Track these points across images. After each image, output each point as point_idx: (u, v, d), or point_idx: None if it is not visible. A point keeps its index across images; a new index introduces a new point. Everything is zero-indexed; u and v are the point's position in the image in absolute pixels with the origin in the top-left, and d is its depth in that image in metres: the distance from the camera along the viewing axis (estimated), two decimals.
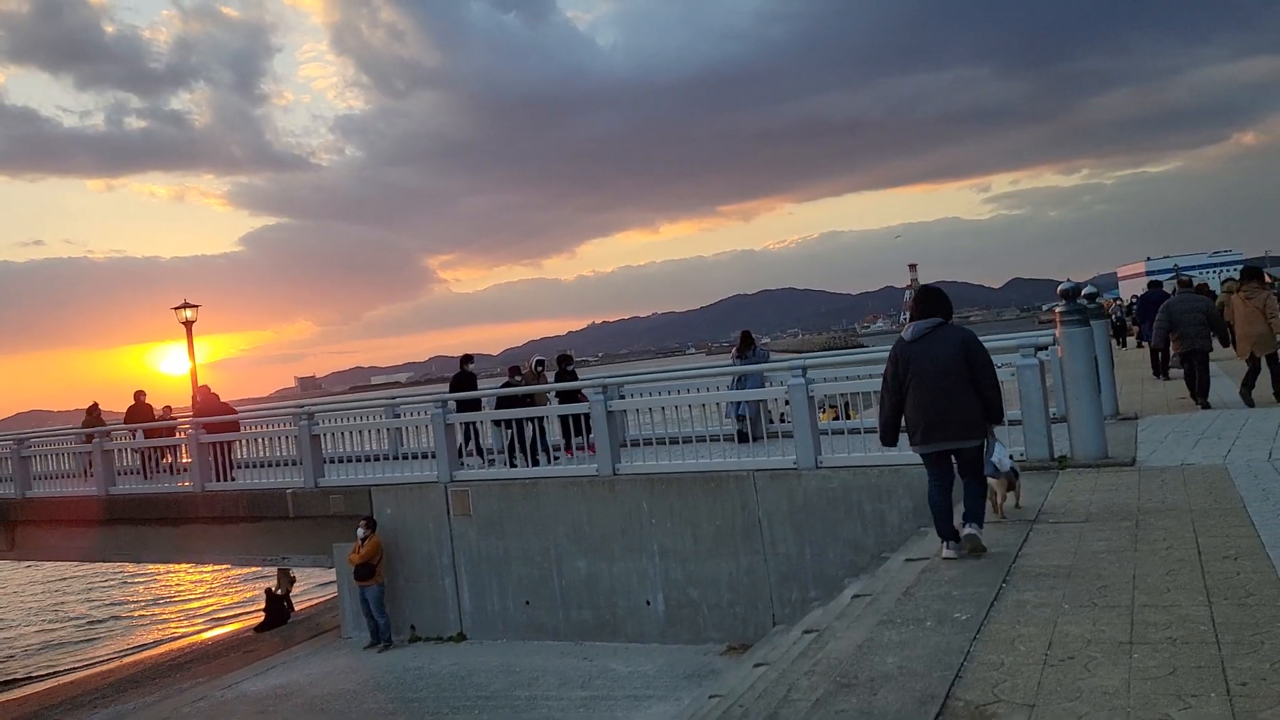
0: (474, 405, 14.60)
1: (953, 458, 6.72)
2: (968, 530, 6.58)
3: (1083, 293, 9.76)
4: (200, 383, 21.55)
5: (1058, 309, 9.46)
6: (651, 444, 12.58)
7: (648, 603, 11.74)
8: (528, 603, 12.63)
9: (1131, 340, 28.83)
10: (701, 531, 11.33)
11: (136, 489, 17.30)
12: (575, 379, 15.25)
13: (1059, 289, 9.42)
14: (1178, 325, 13.33)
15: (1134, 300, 30.90)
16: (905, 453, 10.55)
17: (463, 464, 13.44)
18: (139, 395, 19.66)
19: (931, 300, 6.76)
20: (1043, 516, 7.46)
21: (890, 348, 6.94)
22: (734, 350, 15.36)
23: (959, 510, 6.74)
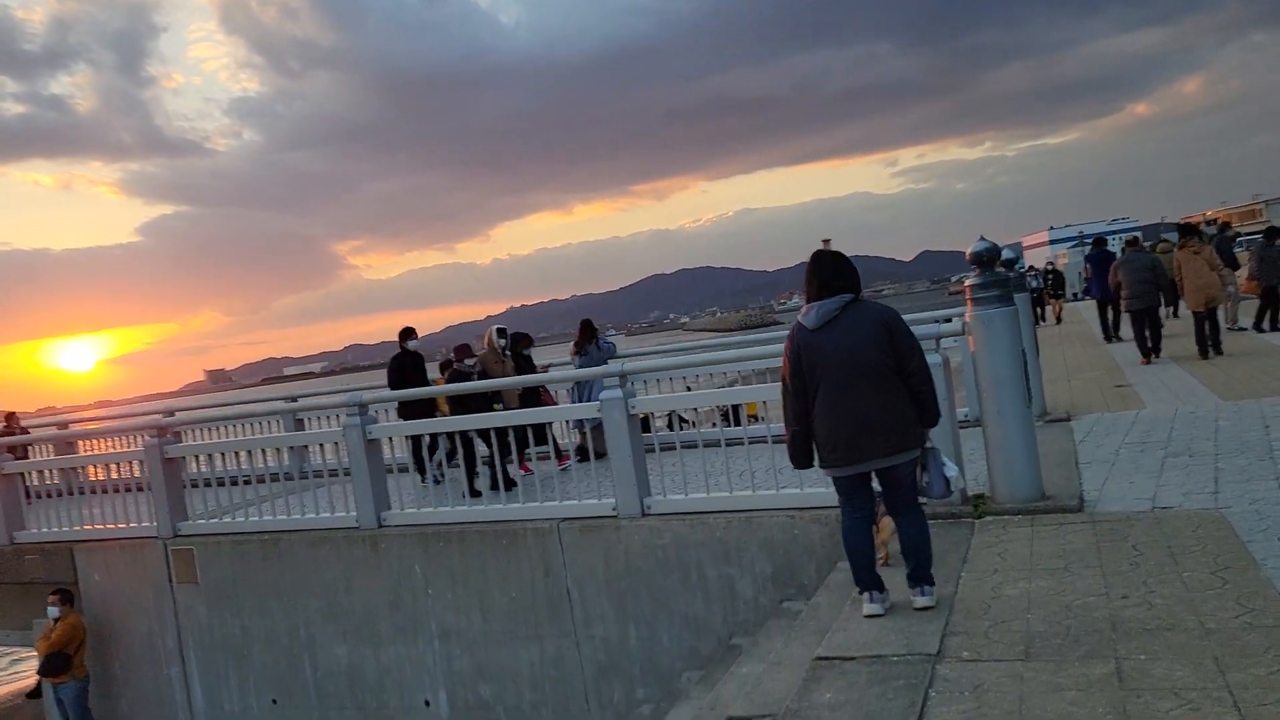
0: (426, 407, 10.30)
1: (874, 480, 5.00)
2: (921, 601, 4.81)
3: (1001, 258, 6.86)
4: None
5: (968, 281, 6.48)
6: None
7: (427, 703, 8.49)
8: (275, 701, 9.27)
9: (1050, 312, 26.57)
10: (493, 605, 8.12)
11: None
12: (532, 366, 11.64)
13: (970, 252, 6.44)
14: (1128, 283, 13.54)
15: (1050, 267, 29.18)
16: (762, 493, 7.64)
17: (187, 514, 9.90)
18: None
19: (836, 269, 4.95)
20: (953, 631, 4.44)
21: (787, 337, 5.07)
22: (572, 345, 12.15)
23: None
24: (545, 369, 12.27)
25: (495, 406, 9.64)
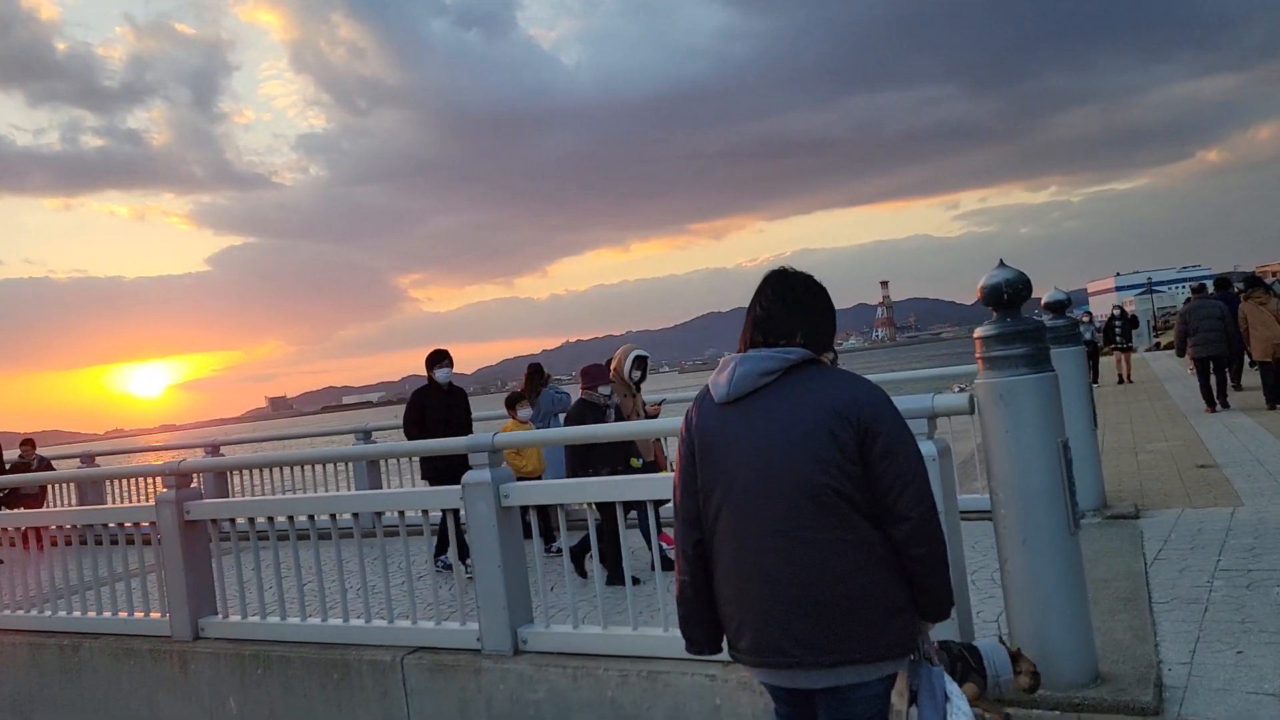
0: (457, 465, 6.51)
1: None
2: None
3: (1031, 296, 4.42)
4: None
5: (979, 332, 4.14)
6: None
7: None
8: None
9: (1110, 364, 22.77)
10: None
11: None
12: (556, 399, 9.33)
13: (982, 285, 4.10)
14: (1195, 330, 13.16)
15: (1119, 312, 23.71)
16: (675, 633, 5.32)
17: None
18: None
19: (788, 302, 2.75)
20: None
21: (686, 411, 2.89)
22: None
23: None
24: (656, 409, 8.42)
25: (634, 462, 7.16)
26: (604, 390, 7.51)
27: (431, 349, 8.78)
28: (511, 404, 8.94)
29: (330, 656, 5.84)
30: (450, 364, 8.68)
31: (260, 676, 6.09)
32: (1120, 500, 7.64)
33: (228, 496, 11.42)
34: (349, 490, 11.40)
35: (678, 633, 2.85)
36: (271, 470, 11.57)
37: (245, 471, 11.62)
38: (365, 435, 11.11)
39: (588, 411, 7.36)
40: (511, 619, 5.32)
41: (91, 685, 6.90)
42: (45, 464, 13.54)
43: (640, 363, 7.79)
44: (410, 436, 8.31)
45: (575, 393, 8.00)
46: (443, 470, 7.67)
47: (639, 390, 7.86)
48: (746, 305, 2.83)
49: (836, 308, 2.96)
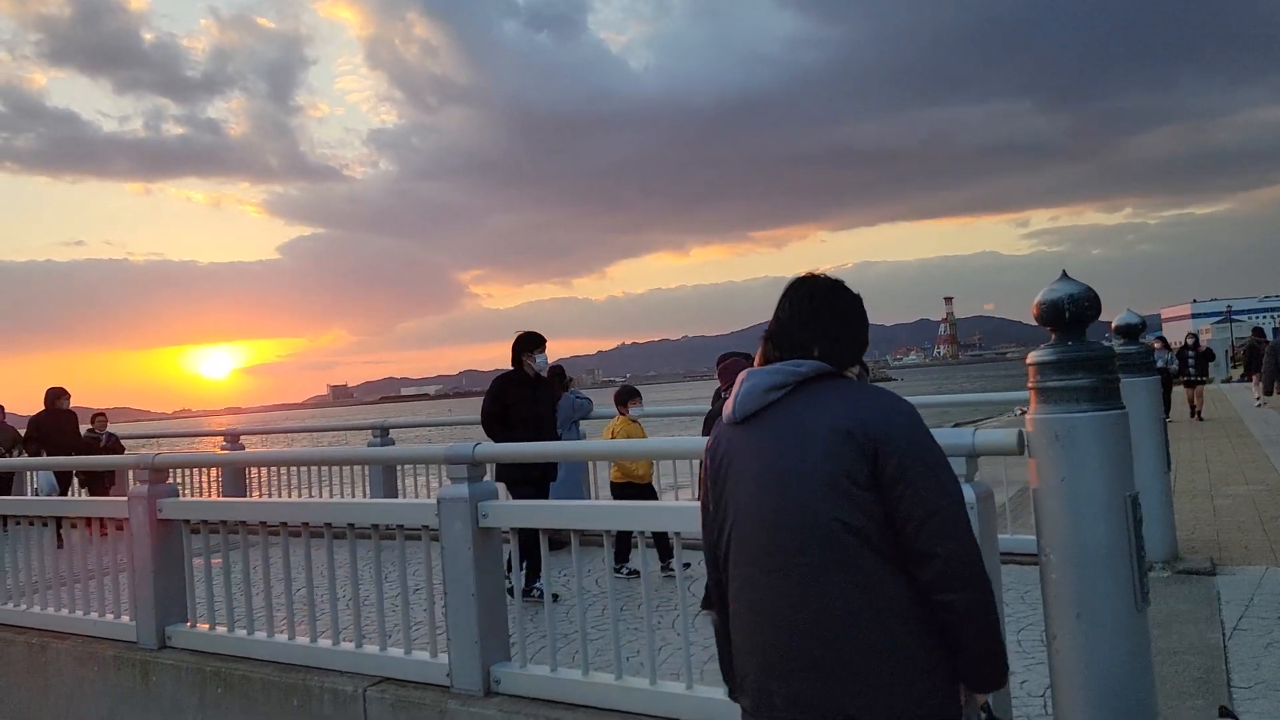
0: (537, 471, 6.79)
1: None
2: None
3: (1114, 325, 3.60)
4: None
5: (1033, 358, 3.42)
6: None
7: None
8: None
9: (1182, 395, 20.67)
10: None
11: None
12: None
13: (1038, 301, 3.38)
14: None
15: (1193, 340, 21.58)
16: (669, 688, 4.65)
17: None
18: (54, 397, 11.56)
19: (804, 311, 2.32)
20: None
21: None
22: None
23: None
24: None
25: None
26: None
27: (522, 333, 7.40)
28: (623, 400, 8.20)
29: (291, 680, 5.30)
30: (543, 347, 7.36)
31: (220, 696, 5.58)
32: (1194, 552, 6.79)
33: (245, 495, 11.07)
34: (365, 491, 10.99)
35: (668, 685, 2.28)
36: (287, 469, 11.11)
37: (259, 470, 11.23)
38: (383, 433, 10.62)
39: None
40: (484, 655, 4.71)
41: (56, 689, 6.47)
42: (115, 440, 13.26)
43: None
44: (491, 432, 7.09)
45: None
46: (524, 474, 6.83)
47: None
48: None
49: (898, 322, 2.43)
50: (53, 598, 6.81)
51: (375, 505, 5.33)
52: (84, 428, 12.89)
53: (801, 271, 2.44)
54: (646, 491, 7.97)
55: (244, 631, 5.74)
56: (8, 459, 11.44)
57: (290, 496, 10.65)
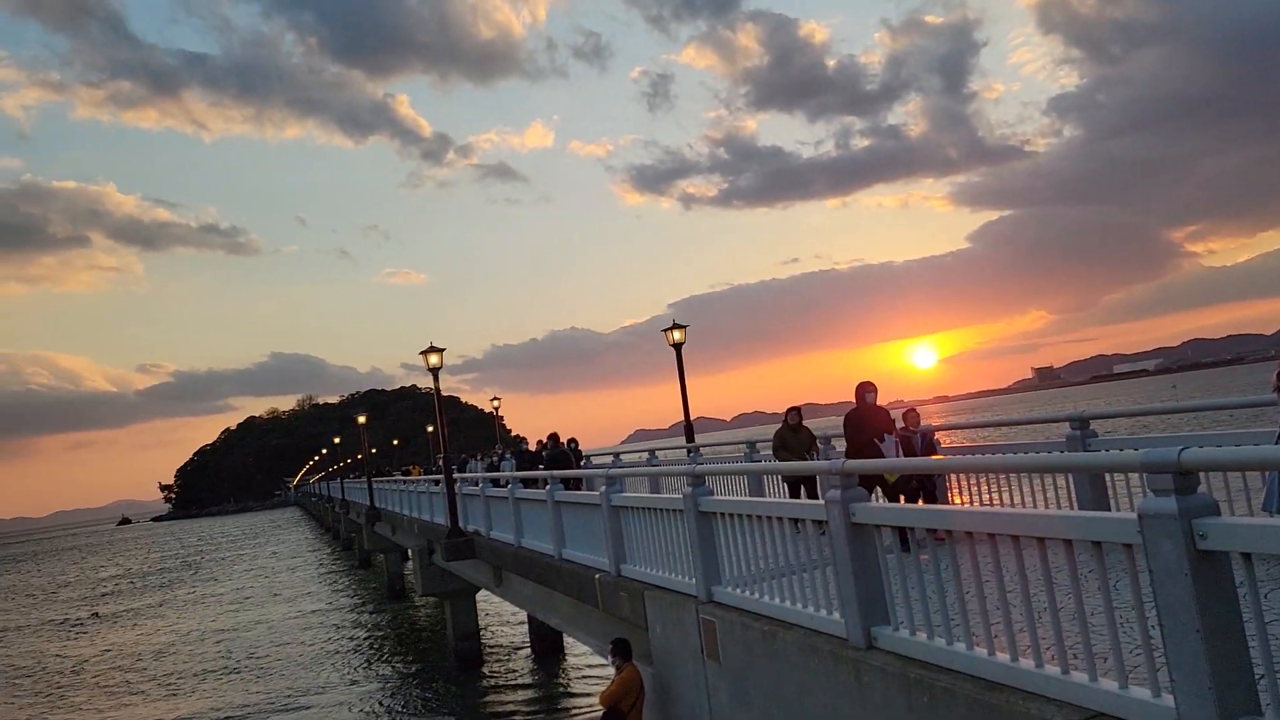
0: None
1: None
2: None
3: None
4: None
5: None
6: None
7: None
8: None
9: None
10: None
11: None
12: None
13: None
14: None
15: None
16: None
17: (720, 576, 8.51)
18: (863, 391, 10.62)
19: None
20: None
21: None
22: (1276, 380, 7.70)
23: None
24: None
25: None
26: None
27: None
28: None
29: (995, 700, 5.00)
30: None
31: (925, 706, 5.52)
32: None
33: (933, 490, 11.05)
34: (1069, 489, 9.97)
35: None
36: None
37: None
38: (1082, 424, 9.56)
39: None
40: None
41: (787, 675, 7.12)
42: (930, 436, 11.39)
43: None
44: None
45: None
46: None
47: None
48: None
49: None
50: (776, 588, 7.51)
51: (1068, 518, 4.72)
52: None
53: None
54: None
55: (942, 641, 5.62)
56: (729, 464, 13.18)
57: (983, 491, 10.36)
